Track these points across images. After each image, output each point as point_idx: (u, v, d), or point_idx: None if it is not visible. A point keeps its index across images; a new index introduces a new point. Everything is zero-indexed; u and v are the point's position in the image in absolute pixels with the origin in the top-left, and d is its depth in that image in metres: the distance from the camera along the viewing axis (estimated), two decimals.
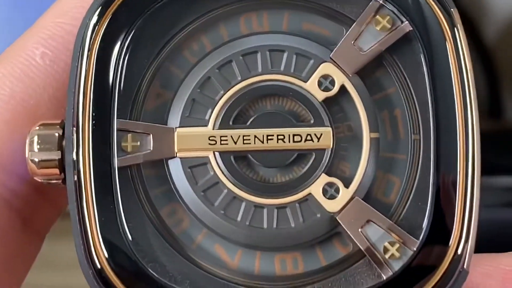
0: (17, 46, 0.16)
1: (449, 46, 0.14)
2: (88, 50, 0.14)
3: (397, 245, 0.14)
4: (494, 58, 0.53)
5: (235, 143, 0.14)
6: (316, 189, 0.14)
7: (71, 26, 0.15)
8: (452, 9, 0.14)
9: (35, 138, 0.14)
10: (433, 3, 0.14)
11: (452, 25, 0.14)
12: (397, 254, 0.14)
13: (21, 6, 0.54)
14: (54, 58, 0.16)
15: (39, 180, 0.14)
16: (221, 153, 0.14)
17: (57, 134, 0.14)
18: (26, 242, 0.17)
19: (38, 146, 0.14)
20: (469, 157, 0.14)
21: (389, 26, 0.14)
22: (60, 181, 0.14)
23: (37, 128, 0.14)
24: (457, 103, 0.14)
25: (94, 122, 0.14)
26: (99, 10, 0.14)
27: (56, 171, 0.14)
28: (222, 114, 0.14)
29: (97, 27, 0.14)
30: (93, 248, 0.14)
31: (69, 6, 0.16)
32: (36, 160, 0.14)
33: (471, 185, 0.14)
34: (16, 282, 0.17)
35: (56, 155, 0.14)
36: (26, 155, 0.14)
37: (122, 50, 0.14)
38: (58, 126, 0.14)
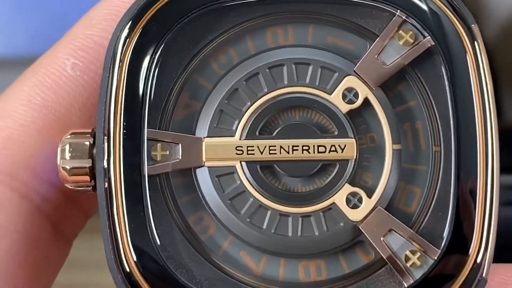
0: (48, 57, 0.16)
1: (470, 60, 0.14)
2: (119, 62, 0.14)
3: (418, 254, 0.14)
4: (493, 58, 0.54)
5: (261, 153, 0.14)
6: (339, 198, 0.14)
7: (101, 38, 0.16)
8: (472, 25, 0.14)
9: (67, 146, 0.14)
10: (454, 18, 0.14)
11: (472, 40, 0.14)
12: (418, 263, 0.14)
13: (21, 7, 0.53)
14: (84, 69, 0.16)
15: (70, 187, 0.15)
16: (247, 162, 0.14)
17: (88, 143, 0.14)
18: (55, 247, 0.17)
19: (70, 154, 0.14)
20: (489, 169, 0.14)
21: (411, 40, 0.14)
22: (90, 188, 0.15)
23: (69, 136, 0.15)
24: (477, 116, 0.14)
25: (125, 131, 0.14)
26: (129, 24, 0.14)
27: (87, 178, 0.14)
28: (249, 125, 0.14)
29: (128, 40, 0.14)
30: (123, 253, 0.14)
31: (99, 19, 0.16)
32: (68, 167, 0.14)
33: (491, 196, 0.14)
34: (44, 286, 0.17)
35: (87, 163, 0.14)
36: (58, 163, 0.14)
37: (152, 62, 0.15)
38: (88, 135, 0.15)
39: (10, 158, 0.15)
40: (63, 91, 0.16)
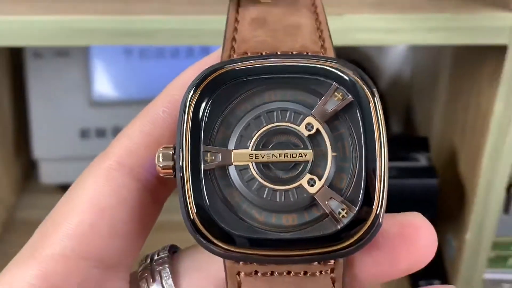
0: (151, 104, 0.20)
1: (372, 107, 0.18)
2: (188, 108, 0.18)
3: (345, 210, 0.18)
4: (385, 100, 0.72)
5: (262, 157, 0.18)
6: (304, 181, 0.18)
7: (179, 96, 0.19)
8: (373, 88, 0.18)
9: (160, 154, 0.18)
10: (363, 85, 0.18)
11: (372, 96, 0.18)
12: (345, 215, 0.18)
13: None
14: (169, 113, 0.19)
15: (161, 176, 0.18)
16: (255, 163, 0.18)
17: (171, 152, 0.18)
18: (154, 209, 0.20)
19: (161, 158, 0.18)
20: (382, 162, 0.18)
21: (341, 98, 0.18)
22: (172, 176, 0.18)
23: (161, 149, 0.18)
24: (376, 136, 0.18)
25: (190, 146, 0.18)
26: (194, 88, 0.18)
27: (170, 171, 0.18)
28: (256, 142, 0.18)
29: (192, 96, 0.18)
30: (190, 209, 0.17)
31: (178, 85, 0.20)
32: (160, 165, 0.18)
33: (383, 176, 0.18)
34: (147, 232, 0.20)
35: (170, 163, 0.18)
36: (156, 163, 0.18)
37: (205, 109, 0.18)
38: (171, 148, 0.18)
39: (133, 159, 0.19)
40: (158, 124, 0.19)
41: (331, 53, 0.19)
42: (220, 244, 0.17)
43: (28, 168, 0.71)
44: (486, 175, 0.49)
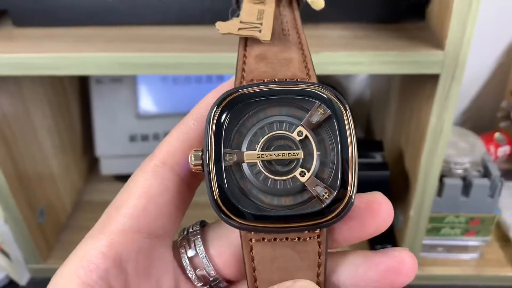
0: (185, 117, 0.19)
1: (345, 118, 0.18)
2: (212, 120, 0.18)
3: (327, 193, 0.17)
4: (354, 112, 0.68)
5: (267, 156, 0.18)
6: (297, 173, 0.18)
7: (204, 112, 0.18)
8: (346, 104, 0.18)
9: (192, 155, 0.18)
10: (338, 102, 0.18)
11: (345, 109, 0.18)
12: (327, 197, 0.17)
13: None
14: (198, 125, 0.19)
15: (194, 170, 0.18)
16: (261, 160, 0.18)
17: (200, 153, 0.18)
18: (189, 196, 0.19)
19: (193, 158, 0.18)
20: (354, 157, 0.17)
21: (323, 112, 0.18)
22: (201, 171, 0.18)
23: (193, 151, 0.18)
24: (348, 139, 0.18)
25: (215, 149, 0.17)
26: (216, 106, 0.18)
27: (200, 168, 0.18)
28: (262, 146, 0.18)
29: (215, 112, 0.18)
30: (214, 194, 0.17)
31: (204, 105, 0.19)
32: (192, 163, 0.18)
33: (354, 167, 0.17)
34: (182, 215, 0.19)
35: (199, 162, 0.18)
36: (189, 161, 0.18)
37: (225, 121, 0.18)
38: (200, 150, 0.18)
39: (173, 159, 0.19)
40: (190, 133, 0.19)
41: (314, 79, 0.18)
42: (236, 219, 0.17)
43: (92, 163, 0.72)
44: (424, 169, 0.49)
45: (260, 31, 0.18)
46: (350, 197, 0.17)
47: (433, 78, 0.44)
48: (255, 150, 0.17)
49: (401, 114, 0.61)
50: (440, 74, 0.43)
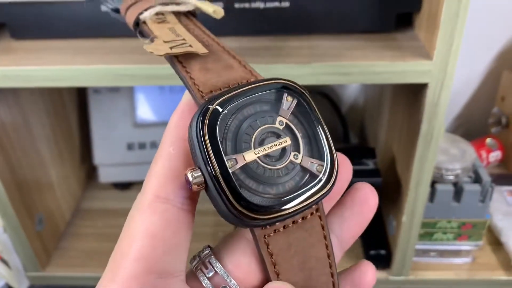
0: (161, 148, 0.19)
1: (309, 98, 0.19)
2: (203, 135, 0.17)
3: (319, 166, 0.19)
4: (346, 121, 0.75)
5: (263, 151, 0.18)
6: (291, 157, 0.18)
7: (177, 134, 0.18)
8: (301, 87, 0.19)
9: (190, 175, 0.17)
10: (298, 87, 0.19)
11: (304, 90, 0.19)
12: (321, 171, 0.19)
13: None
14: (177, 149, 0.18)
15: (195, 190, 0.17)
16: (259, 156, 0.18)
17: (198, 172, 0.17)
18: (190, 220, 0.19)
19: (194, 177, 0.17)
20: (325, 127, 0.19)
21: (291, 99, 0.19)
22: (204, 188, 0.17)
23: (188, 172, 0.17)
24: (318, 113, 0.19)
25: (216, 160, 0.17)
26: (201, 122, 0.17)
27: (203, 185, 0.17)
28: (254, 143, 0.18)
29: (203, 126, 0.17)
30: (231, 200, 0.17)
31: (174, 128, 0.18)
32: (193, 182, 0.17)
33: (329, 136, 0.19)
34: (189, 245, 0.19)
35: (201, 179, 0.17)
36: (190, 180, 0.17)
37: (214, 131, 0.18)
38: (197, 168, 0.17)
39: (165, 190, 0.18)
40: (172, 160, 0.18)
41: (261, 77, 0.19)
42: (260, 217, 0.17)
43: (90, 171, 0.72)
44: (416, 175, 0.50)
45: (190, 45, 0.18)
46: (336, 162, 0.18)
47: (423, 87, 0.44)
48: (251, 149, 0.18)
49: (393, 121, 0.61)
50: (429, 83, 0.43)
